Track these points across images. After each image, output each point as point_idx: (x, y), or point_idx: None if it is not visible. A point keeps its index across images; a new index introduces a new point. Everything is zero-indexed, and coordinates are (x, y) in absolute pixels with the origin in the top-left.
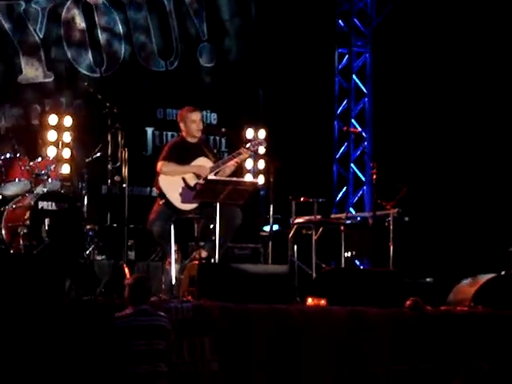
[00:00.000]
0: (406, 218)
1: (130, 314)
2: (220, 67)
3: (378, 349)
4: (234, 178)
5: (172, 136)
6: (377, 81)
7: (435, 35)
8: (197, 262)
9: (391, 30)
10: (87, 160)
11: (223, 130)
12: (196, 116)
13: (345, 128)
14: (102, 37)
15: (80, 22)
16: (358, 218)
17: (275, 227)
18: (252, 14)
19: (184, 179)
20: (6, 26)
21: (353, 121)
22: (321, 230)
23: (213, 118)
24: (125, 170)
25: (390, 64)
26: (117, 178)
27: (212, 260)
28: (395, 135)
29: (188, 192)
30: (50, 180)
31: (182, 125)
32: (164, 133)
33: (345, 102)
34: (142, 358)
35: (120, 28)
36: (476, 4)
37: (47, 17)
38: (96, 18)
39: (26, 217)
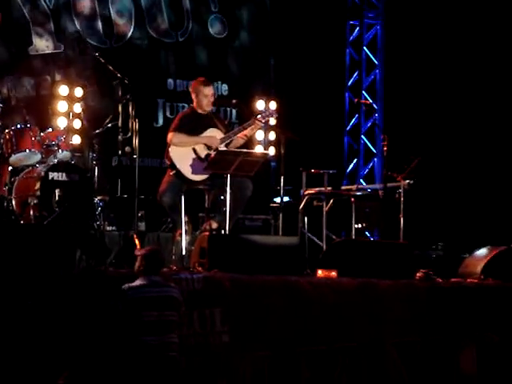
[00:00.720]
0: (418, 190)
1: (142, 285)
2: (231, 38)
3: (389, 320)
4: (245, 149)
5: (183, 107)
6: (388, 53)
7: (447, 6)
8: (207, 233)
9: (403, 2)
10: (98, 131)
11: (234, 101)
12: (208, 90)
13: (356, 100)
14: (111, 8)
15: None
16: (369, 190)
17: (286, 199)
18: None
19: (195, 150)
20: None
21: (364, 92)
22: (331, 201)
23: (224, 89)
24: (135, 141)
25: (401, 36)
26: (127, 148)
27: (222, 231)
28: (406, 107)
29: (199, 163)
30: (60, 151)
31: (193, 96)
32: (174, 104)
33: (356, 74)
34: (152, 329)
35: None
36: None
37: None
38: None
39: (36, 187)
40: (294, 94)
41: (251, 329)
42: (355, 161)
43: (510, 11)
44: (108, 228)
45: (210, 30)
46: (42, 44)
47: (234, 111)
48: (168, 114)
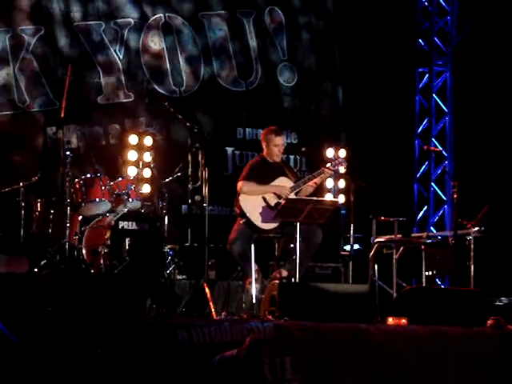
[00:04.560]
0: (487, 237)
1: None
2: (300, 86)
3: (461, 368)
4: (315, 198)
5: (252, 156)
6: (457, 100)
7: None
8: (277, 281)
9: (472, 49)
10: (168, 180)
11: (303, 149)
12: (279, 140)
13: (425, 147)
14: (181, 57)
15: (160, 42)
16: (439, 237)
17: (356, 246)
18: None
19: (265, 198)
20: (88, 46)
21: (433, 140)
22: (402, 249)
23: (293, 137)
24: (205, 190)
25: (470, 83)
26: (197, 197)
27: (293, 279)
28: (476, 154)
29: (268, 211)
30: (130, 200)
31: (264, 145)
32: (244, 152)
33: (425, 121)
34: None
35: (200, 48)
36: None
37: (127, 37)
38: (175, 39)
39: (106, 236)
40: (363, 142)
41: (322, 377)
42: (425, 208)
43: None
44: (178, 277)
45: (279, 78)
46: (112, 93)
47: (303, 159)
48: (237, 162)
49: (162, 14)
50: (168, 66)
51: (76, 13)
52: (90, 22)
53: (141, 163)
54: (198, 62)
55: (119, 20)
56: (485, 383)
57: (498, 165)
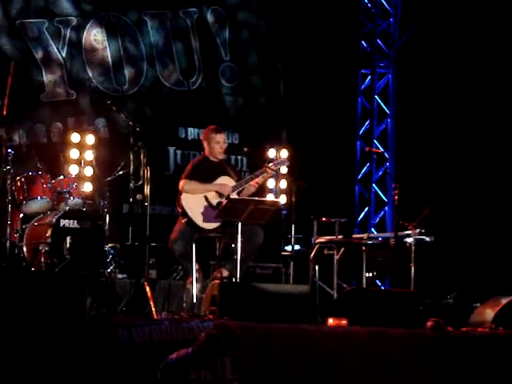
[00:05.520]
0: (428, 239)
1: None
2: (242, 86)
3: (400, 369)
4: (256, 198)
5: (194, 155)
6: (399, 102)
7: (458, 55)
8: (218, 281)
9: (414, 51)
10: (109, 178)
11: (245, 149)
12: (220, 138)
13: (367, 148)
14: (124, 56)
15: (102, 41)
16: (380, 239)
17: (297, 247)
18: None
19: (206, 198)
20: (30, 44)
21: (375, 141)
22: (342, 250)
23: (235, 137)
24: (147, 189)
25: (412, 85)
26: (139, 196)
27: (233, 279)
28: (417, 156)
29: (210, 211)
30: (71, 198)
31: (205, 144)
32: (186, 152)
33: (367, 123)
34: None
35: (142, 48)
36: (499, 25)
37: (69, 35)
38: (118, 38)
39: (47, 234)
40: (305, 143)
41: (262, 377)
42: (366, 209)
43: None
44: (119, 275)
45: (221, 78)
46: (55, 91)
47: (244, 159)
48: (179, 161)
49: (105, 13)
50: (111, 64)
51: (16, 10)
52: (32, 20)
53: (82, 161)
54: (140, 62)
55: (61, 18)
56: (424, 381)
57: (440, 167)
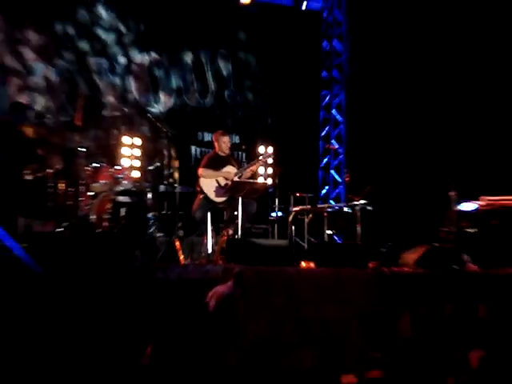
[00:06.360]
0: (369, 208)
1: None
2: (241, 104)
3: (352, 298)
4: (252, 180)
5: (208, 151)
6: (349, 113)
7: (391, 80)
8: (225, 237)
9: (359, 79)
10: (150, 168)
11: (243, 147)
12: (226, 139)
13: (327, 146)
14: (160, 85)
15: (145, 77)
16: (336, 208)
17: (279, 214)
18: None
19: (217, 181)
20: (94, 75)
21: (333, 141)
22: (311, 215)
23: (236, 138)
24: (176, 175)
25: (358, 101)
26: (171, 180)
27: (236, 236)
28: (362, 151)
29: (220, 189)
30: (125, 182)
31: (215, 143)
32: (202, 149)
33: (327, 128)
34: None
35: (173, 80)
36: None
37: (125, 67)
38: (156, 73)
39: (108, 207)
40: (284, 142)
41: (258, 299)
42: (327, 187)
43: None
44: (157, 234)
45: (227, 98)
46: (113, 109)
47: (243, 154)
48: (198, 156)
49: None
50: (151, 90)
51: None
52: (97, 58)
53: (132, 156)
54: (171, 90)
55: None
56: (367, 307)
57: (377, 158)
